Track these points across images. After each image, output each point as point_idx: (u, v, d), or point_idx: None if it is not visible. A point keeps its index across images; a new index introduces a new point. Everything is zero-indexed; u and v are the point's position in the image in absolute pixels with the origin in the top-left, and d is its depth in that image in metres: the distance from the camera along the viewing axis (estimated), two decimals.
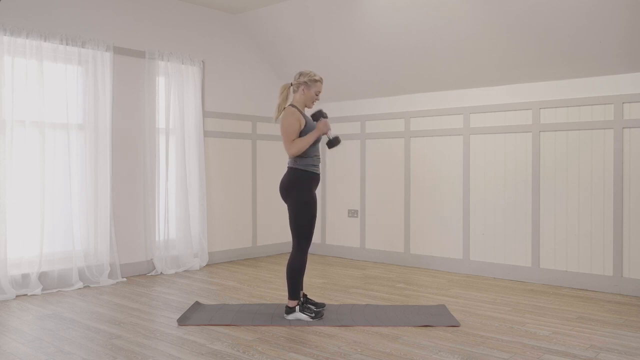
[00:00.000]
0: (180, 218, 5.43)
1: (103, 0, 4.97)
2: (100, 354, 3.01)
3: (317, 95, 3.74)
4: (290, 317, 3.67)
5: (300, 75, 3.74)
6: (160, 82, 5.32)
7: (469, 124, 5.27)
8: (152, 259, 5.29)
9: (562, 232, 4.74)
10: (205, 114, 5.73)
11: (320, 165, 6.31)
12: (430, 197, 5.56)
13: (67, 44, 4.61)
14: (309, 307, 3.69)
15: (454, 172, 5.38)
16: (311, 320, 3.62)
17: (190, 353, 3.03)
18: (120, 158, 5.07)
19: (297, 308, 3.66)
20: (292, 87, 3.76)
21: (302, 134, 3.62)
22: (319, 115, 3.70)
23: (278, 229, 6.46)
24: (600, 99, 4.53)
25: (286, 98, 3.74)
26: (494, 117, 5.13)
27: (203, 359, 2.93)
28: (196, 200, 5.56)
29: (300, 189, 3.62)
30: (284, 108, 3.70)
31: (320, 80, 3.73)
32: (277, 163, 6.39)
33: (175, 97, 5.38)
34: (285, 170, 3.77)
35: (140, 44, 5.22)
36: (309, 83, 3.70)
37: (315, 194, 3.70)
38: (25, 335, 3.35)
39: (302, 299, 3.74)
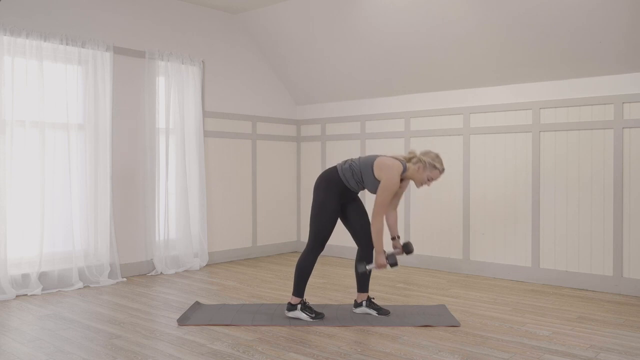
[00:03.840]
0: (180, 218, 5.43)
1: (103, 0, 4.98)
2: (100, 354, 3.01)
3: (428, 180, 3.61)
4: (291, 314, 3.67)
5: (426, 154, 3.62)
6: (160, 82, 5.32)
7: (469, 124, 5.27)
8: (152, 259, 5.29)
9: (562, 232, 4.74)
10: (205, 114, 5.73)
11: (322, 166, 6.36)
12: (431, 197, 5.56)
13: (67, 44, 4.61)
14: (310, 307, 3.69)
15: (454, 172, 5.37)
16: (311, 320, 3.62)
17: (190, 353, 3.03)
18: (120, 158, 5.07)
19: (299, 307, 3.66)
20: (415, 158, 3.63)
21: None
22: (405, 250, 3.74)
23: (278, 229, 6.46)
24: (600, 99, 4.53)
25: (407, 159, 3.65)
26: (494, 117, 5.13)
27: (203, 359, 2.93)
28: (196, 200, 5.55)
29: (327, 190, 3.63)
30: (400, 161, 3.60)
31: (441, 171, 3.61)
32: (277, 163, 6.39)
33: (175, 97, 5.38)
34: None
35: (140, 44, 5.22)
36: (427, 165, 3.59)
37: (338, 203, 3.66)
38: (25, 335, 3.35)
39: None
